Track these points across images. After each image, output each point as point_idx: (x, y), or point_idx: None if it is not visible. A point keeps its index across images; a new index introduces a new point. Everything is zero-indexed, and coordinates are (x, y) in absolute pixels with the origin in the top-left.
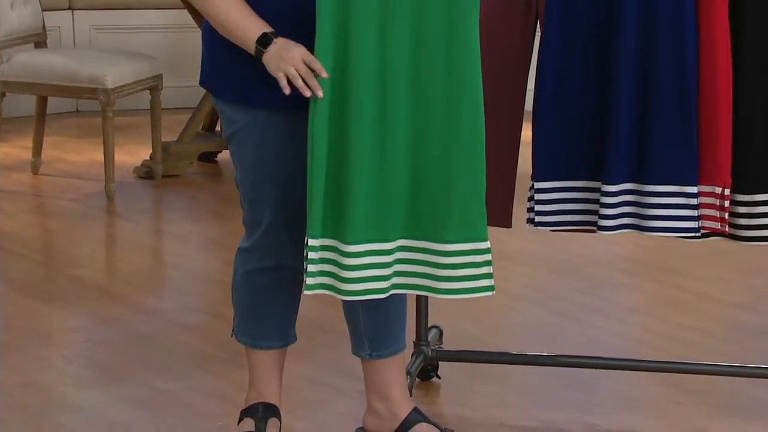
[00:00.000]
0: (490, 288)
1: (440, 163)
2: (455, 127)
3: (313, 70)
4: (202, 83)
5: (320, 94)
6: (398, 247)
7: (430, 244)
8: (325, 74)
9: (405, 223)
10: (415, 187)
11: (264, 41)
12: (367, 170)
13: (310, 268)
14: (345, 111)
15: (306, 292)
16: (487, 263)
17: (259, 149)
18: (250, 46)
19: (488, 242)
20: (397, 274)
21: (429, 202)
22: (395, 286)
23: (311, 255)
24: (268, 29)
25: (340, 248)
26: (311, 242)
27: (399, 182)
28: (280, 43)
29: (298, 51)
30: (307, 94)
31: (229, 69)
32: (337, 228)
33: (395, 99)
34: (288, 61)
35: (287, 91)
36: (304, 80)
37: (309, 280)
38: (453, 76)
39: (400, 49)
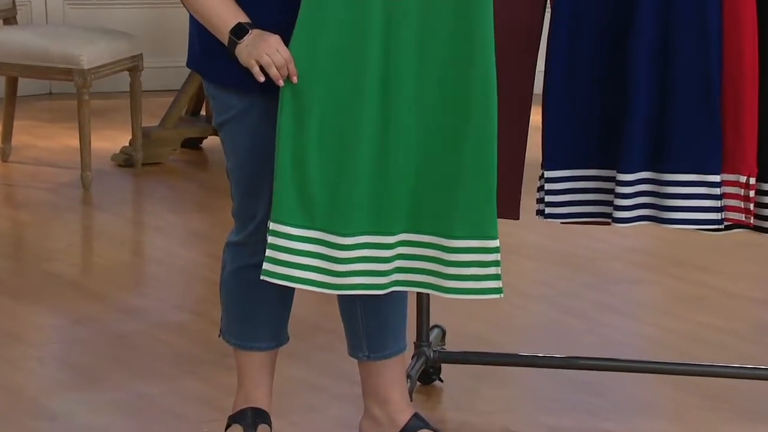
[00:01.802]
0: (497, 290)
1: (448, 155)
2: (464, 117)
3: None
4: (191, 66)
5: (295, 80)
6: (401, 241)
7: (437, 239)
8: (295, 80)
9: (409, 217)
10: (420, 179)
11: (238, 32)
12: (366, 162)
13: (269, 253)
14: (344, 101)
15: (262, 277)
16: (495, 263)
17: (255, 137)
18: (224, 36)
19: (497, 241)
20: (398, 270)
21: (435, 195)
22: (396, 282)
23: (270, 240)
24: (244, 19)
25: (333, 241)
26: (272, 226)
27: (402, 175)
28: (254, 35)
29: (273, 40)
30: (281, 83)
31: (224, 51)
32: (331, 220)
33: (399, 90)
34: (262, 49)
35: (261, 78)
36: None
37: (267, 266)
38: (461, 62)
39: (406, 35)
